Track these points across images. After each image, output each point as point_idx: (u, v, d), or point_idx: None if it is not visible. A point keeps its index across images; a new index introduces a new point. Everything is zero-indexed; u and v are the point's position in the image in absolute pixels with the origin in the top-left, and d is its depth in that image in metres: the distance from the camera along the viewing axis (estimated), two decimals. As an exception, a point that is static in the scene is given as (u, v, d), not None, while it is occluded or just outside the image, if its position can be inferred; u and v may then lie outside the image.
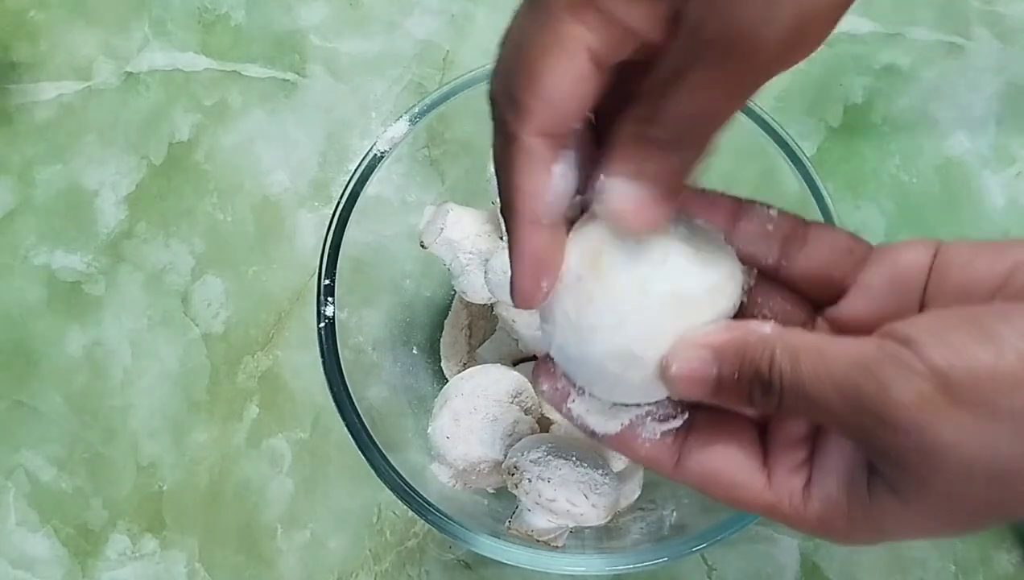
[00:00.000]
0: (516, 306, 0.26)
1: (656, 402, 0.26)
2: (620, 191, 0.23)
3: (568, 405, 0.27)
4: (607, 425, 0.27)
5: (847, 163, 0.57)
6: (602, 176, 0.24)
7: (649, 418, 0.26)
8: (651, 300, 0.24)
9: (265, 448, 0.54)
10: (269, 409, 0.54)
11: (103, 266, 0.58)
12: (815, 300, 0.26)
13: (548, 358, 0.27)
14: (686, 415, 0.26)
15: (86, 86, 0.63)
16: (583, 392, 0.27)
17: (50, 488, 0.54)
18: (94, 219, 0.59)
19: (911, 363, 0.20)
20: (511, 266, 0.25)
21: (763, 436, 0.26)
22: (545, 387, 0.27)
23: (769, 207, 0.27)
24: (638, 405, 0.26)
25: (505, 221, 0.25)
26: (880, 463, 0.22)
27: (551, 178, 0.24)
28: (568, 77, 0.23)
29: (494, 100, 0.24)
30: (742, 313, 0.26)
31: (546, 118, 0.23)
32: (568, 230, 0.26)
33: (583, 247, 0.25)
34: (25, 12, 0.65)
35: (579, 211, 0.26)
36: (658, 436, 0.26)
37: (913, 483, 0.21)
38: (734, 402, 0.24)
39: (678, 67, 0.22)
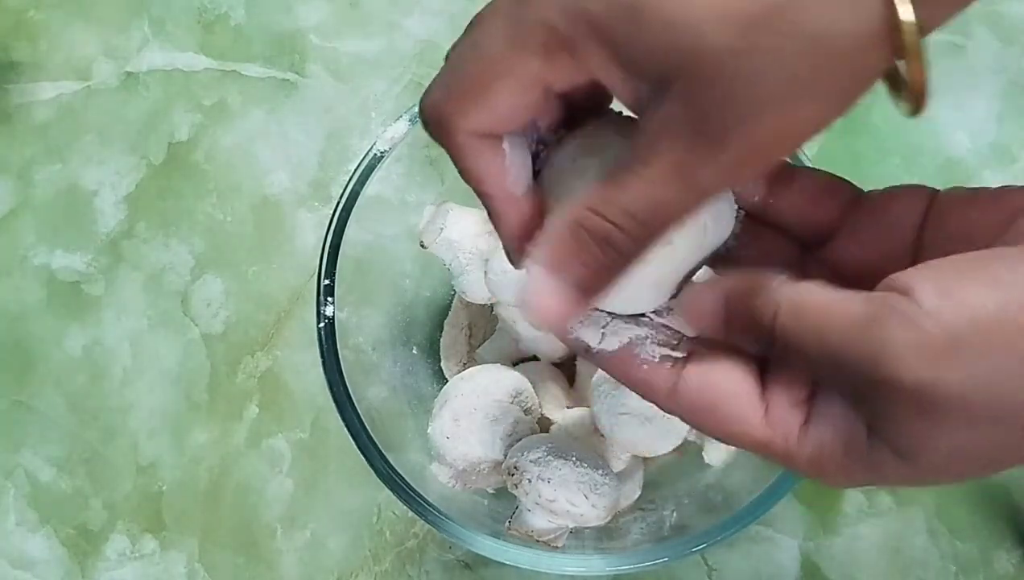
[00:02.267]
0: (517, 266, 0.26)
1: (657, 327, 0.26)
2: (539, 283, 0.23)
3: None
4: (605, 341, 0.26)
5: (846, 163, 0.57)
6: (528, 260, 0.24)
7: (649, 340, 0.25)
8: None
9: (265, 448, 0.54)
10: (269, 409, 0.54)
11: (103, 266, 0.58)
12: (803, 241, 0.27)
13: None
14: (688, 345, 0.25)
15: (86, 86, 0.63)
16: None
17: (50, 488, 0.54)
18: (94, 219, 0.59)
19: (914, 317, 0.20)
20: (503, 241, 0.26)
21: (763, 373, 0.25)
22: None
23: None
24: (637, 322, 0.26)
25: (485, 207, 0.25)
26: (880, 425, 0.22)
27: (505, 158, 0.24)
28: (518, 103, 0.23)
29: (430, 104, 0.24)
30: (731, 255, 0.26)
31: (483, 123, 0.24)
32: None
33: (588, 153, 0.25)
34: (25, 12, 0.65)
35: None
36: (657, 358, 0.25)
37: (915, 443, 0.21)
38: (737, 341, 0.24)
39: (638, 154, 0.21)
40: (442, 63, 0.25)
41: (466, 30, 0.24)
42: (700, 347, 0.25)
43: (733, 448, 0.44)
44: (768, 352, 0.23)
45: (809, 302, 0.22)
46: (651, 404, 0.26)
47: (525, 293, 0.23)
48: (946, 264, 0.21)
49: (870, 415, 0.22)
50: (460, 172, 0.25)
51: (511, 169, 0.24)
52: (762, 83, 0.20)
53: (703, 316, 0.24)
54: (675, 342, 0.25)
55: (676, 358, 0.25)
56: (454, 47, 0.24)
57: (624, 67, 0.21)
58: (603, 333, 0.26)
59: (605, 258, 0.23)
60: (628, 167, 0.22)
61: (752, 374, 0.24)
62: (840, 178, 0.26)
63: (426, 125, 0.25)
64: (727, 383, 0.24)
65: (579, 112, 0.25)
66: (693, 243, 0.25)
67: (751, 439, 0.24)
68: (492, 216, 0.25)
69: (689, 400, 0.25)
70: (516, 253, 0.26)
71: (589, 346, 0.26)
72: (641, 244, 0.22)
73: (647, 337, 0.25)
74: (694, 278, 0.26)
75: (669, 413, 0.25)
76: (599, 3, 0.21)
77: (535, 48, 0.22)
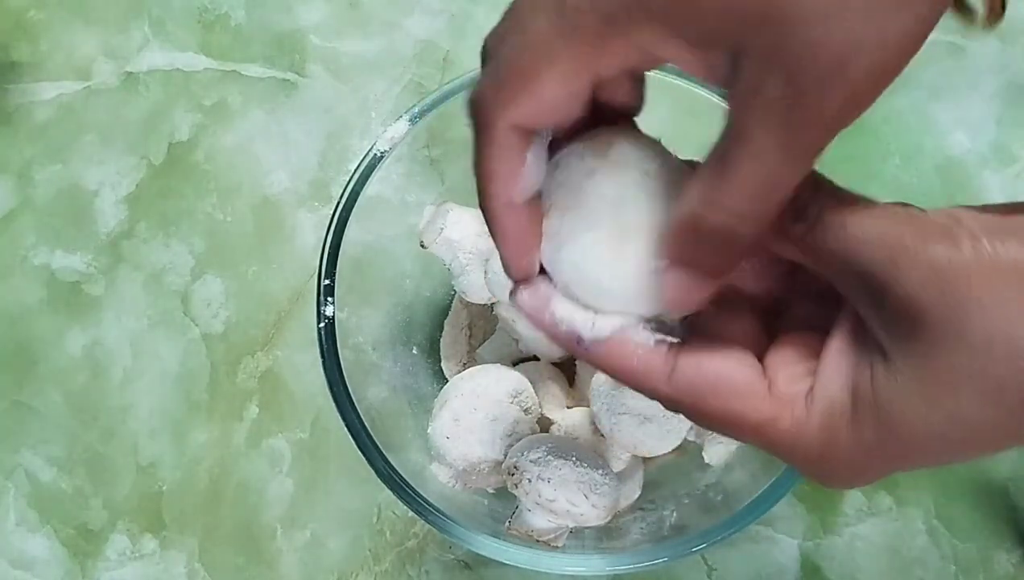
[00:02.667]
0: (514, 281, 0.25)
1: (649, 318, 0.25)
2: (676, 281, 0.23)
3: (551, 308, 0.25)
4: (596, 328, 0.24)
5: (846, 163, 0.57)
6: (660, 261, 0.23)
7: (641, 326, 0.24)
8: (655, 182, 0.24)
9: (265, 448, 0.54)
10: (269, 409, 0.54)
11: (103, 266, 0.58)
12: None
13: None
14: (682, 332, 0.25)
15: (86, 86, 0.63)
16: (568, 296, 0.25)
17: (50, 488, 0.54)
18: (94, 219, 0.59)
19: (958, 229, 0.20)
20: (498, 248, 0.25)
21: (761, 359, 0.24)
22: (525, 295, 0.25)
23: None
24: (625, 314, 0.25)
25: (482, 205, 0.25)
26: (894, 327, 0.21)
27: (524, 164, 0.24)
28: (565, 93, 0.22)
29: (479, 93, 0.24)
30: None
31: (527, 115, 0.23)
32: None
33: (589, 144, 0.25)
34: (25, 12, 0.65)
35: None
36: (652, 343, 0.24)
37: (926, 354, 0.20)
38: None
39: (738, 133, 0.20)
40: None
41: (505, 16, 0.23)
42: (696, 331, 0.25)
43: (733, 447, 0.44)
44: (794, 235, 0.22)
45: (851, 194, 0.22)
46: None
47: (670, 294, 0.23)
48: (983, 209, 0.21)
49: (888, 308, 0.21)
50: (476, 162, 0.24)
51: (524, 177, 0.24)
52: (843, 15, 0.18)
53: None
54: (667, 330, 0.25)
55: (671, 342, 0.24)
56: (494, 35, 0.23)
57: (689, 41, 0.20)
58: (594, 322, 0.25)
59: (735, 249, 0.22)
60: (729, 153, 0.21)
61: (751, 356, 0.24)
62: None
63: (471, 117, 0.24)
64: (727, 360, 0.24)
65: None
66: None
67: (756, 416, 0.23)
68: (491, 220, 0.25)
69: (689, 381, 0.24)
70: (517, 264, 0.25)
71: (581, 337, 0.25)
72: (764, 224, 0.22)
73: (639, 322, 0.25)
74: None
75: (668, 403, 0.24)
76: None
77: (586, 34, 0.21)
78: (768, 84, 0.20)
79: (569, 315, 0.25)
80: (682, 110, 0.42)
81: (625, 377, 0.25)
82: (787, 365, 0.24)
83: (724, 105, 0.21)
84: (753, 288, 0.26)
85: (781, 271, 0.26)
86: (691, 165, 0.25)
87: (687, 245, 0.22)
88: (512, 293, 0.26)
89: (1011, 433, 0.21)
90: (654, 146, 0.25)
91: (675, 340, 0.24)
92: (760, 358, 0.24)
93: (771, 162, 0.20)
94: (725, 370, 0.23)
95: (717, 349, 0.24)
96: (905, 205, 0.22)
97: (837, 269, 0.22)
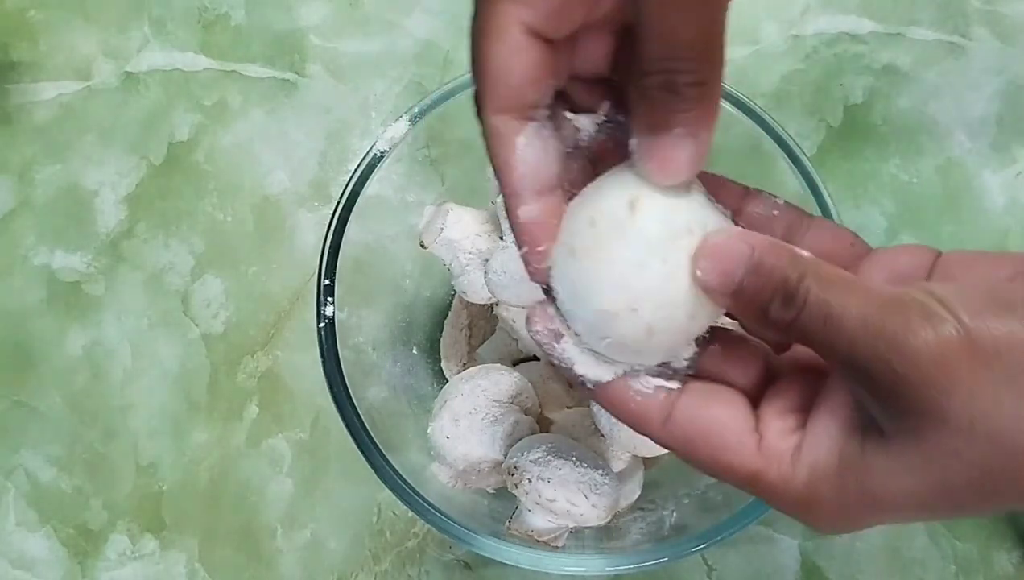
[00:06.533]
0: (530, 277, 0.26)
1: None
2: (659, 144, 0.23)
3: (561, 345, 0.26)
4: (599, 371, 0.26)
5: (847, 163, 0.57)
6: (633, 138, 0.24)
7: (643, 371, 0.26)
8: (674, 246, 0.24)
9: (265, 448, 0.54)
10: (269, 409, 0.54)
11: (103, 266, 0.58)
12: None
13: (545, 302, 0.27)
14: (683, 377, 0.26)
15: (86, 86, 0.63)
16: (578, 339, 0.26)
17: (50, 488, 0.54)
18: (94, 219, 0.59)
19: (938, 311, 0.21)
20: (514, 238, 0.26)
21: (756, 408, 0.25)
22: (539, 327, 0.26)
23: (775, 197, 0.27)
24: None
25: (502, 191, 0.26)
26: (880, 406, 0.22)
27: (515, 151, 0.24)
28: (504, 53, 0.23)
29: (476, 93, 0.25)
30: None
31: (499, 96, 0.24)
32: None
33: (612, 193, 0.25)
34: (25, 12, 0.65)
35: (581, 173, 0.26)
36: (651, 390, 0.25)
37: (911, 431, 0.21)
38: (749, 308, 0.23)
39: (660, 3, 0.22)
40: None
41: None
42: (695, 381, 0.26)
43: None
44: (779, 324, 0.23)
45: (837, 274, 0.22)
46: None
47: (655, 153, 0.23)
48: (967, 285, 0.22)
49: (874, 390, 0.22)
50: (490, 157, 0.25)
51: (520, 164, 0.25)
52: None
53: (722, 272, 0.23)
54: (670, 374, 0.26)
55: (670, 389, 0.25)
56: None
57: None
58: (596, 366, 0.26)
59: (702, 99, 0.23)
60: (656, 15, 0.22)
61: (745, 406, 0.25)
62: (853, 233, 0.27)
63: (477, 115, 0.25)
64: (721, 412, 0.25)
65: None
66: (711, 312, 0.25)
67: (744, 469, 0.24)
68: (508, 215, 0.26)
69: (682, 430, 0.25)
70: (526, 257, 0.26)
71: (584, 377, 0.26)
72: (717, 64, 0.23)
73: (641, 369, 0.26)
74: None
75: (662, 445, 0.26)
76: None
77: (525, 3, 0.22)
78: None
79: (575, 358, 0.26)
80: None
81: (623, 418, 0.26)
82: (779, 417, 0.24)
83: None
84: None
85: None
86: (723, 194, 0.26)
87: (659, 104, 0.23)
88: (527, 321, 0.27)
89: (997, 505, 0.22)
90: (685, 195, 0.25)
91: (674, 386, 0.25)
92: (757, 402, 0.25)
93: (698, 10, 0.22)
94: (716, 424, 0.24)
95: (712, 401, 0.25)
96: (896, 288, 0.22)
97: (826, 352, 0.23)
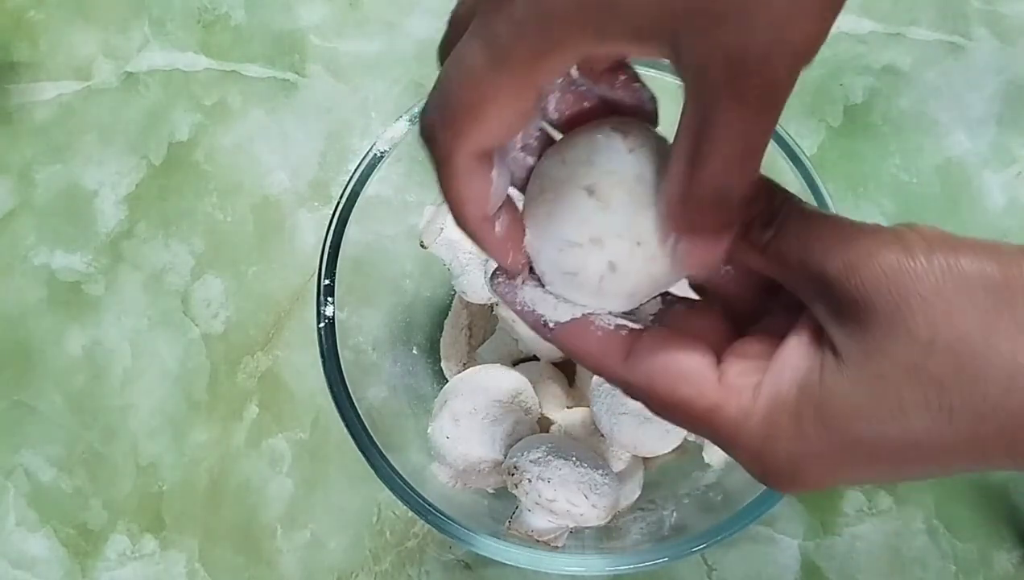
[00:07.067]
0: (508, 277, 0.26)
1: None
2: (691, 246, 0.24)
3: (523, 290, 0.26)
4: (561, 311, 0.26)
5: (847, 163, 0.57)
6: (672, 236, 0.24)
7: (607, 313, 0.26)
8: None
9: (265, 448, 0.54)
10: (269, 409, 0.54)
11: (103, 266, 0.58)
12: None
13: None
14: (644, 323, 0.26)
15: (86, 86, 0.63)
16: (539, 284, 0.26)
17: (50, 488, 0.54)
18: (94, 219, 0.59)
19: (909, 234, 0.21)
20: (488, 255, 0.26)
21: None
22: (500, 280, 0.26)
23: None
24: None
25: (460, 226, 0.25)
26: (842, 324, 0.22)
27: (491, 184, 0.24)
28: (512, 114, 0.23)
29: (429, 124, 0.24)
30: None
31: (481, 142, 0.23)
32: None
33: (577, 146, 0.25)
34: (25, 12, 0.65)
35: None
36: (612, 327, 0.25)
37: (871, 351, 0.21)
38: (727, 225, 0.23)
39: (701, 117, 0.21)
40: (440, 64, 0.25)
41: (448, 27, 0.24)
42: (657, 326, 0.26)
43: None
44: (759, 229, 0.23)
45: (816, 209, 0.24)
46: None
47: (688, 258, 0.24)
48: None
49: (838, 299, 0.22)
50: (444, 191, 0.25)
51: (493, 193, 0.24)
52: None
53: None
54: (633, 319, 0.26)
55: (631, 327, 0.25)
56: (442, 47, 0.24)
57: (624, 39, 0.21)
58: (556, 305, 0.26)
59: (734, 205, 0.22)
60: (701, 132, 0.21)
61: (708, 349, 0.25)
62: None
63: (426, 146, 0.24)
64: (683, 347, 0.24)
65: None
66: (673, 259, 0.25)
67: (703, 402, 0.24)
68: (473, 237, 0.25)
69: (644, 364, 0.25)
70: (507, 265, 0.26)
71: (543, 318, 0.26)
72: (752, 176, 0.22)
73: (603, 313, 0.26)
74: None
75: (623, 386, 0.25)
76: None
77: (518, 63, 0.22)
78: (712, 65, 0.20)
79: (535, 300, 0.26)
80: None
81: (584, 358, 0.26)
82: (741, 359, 0.24)
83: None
84: (730, 293, 0.27)
85: (759, 282, 0.26)
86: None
87: (688, 217, 0.23)
88: (490, 278, 0.27)
89: (956, 448, 0.21)
90: (636, 130, 0.25)
91: (635, 325, 0.25)
92: (721, 355, 0.25)
93: (740, 130, 0.21)
94: (678, 357, 0.24)
95: (675, 340, 0.25)
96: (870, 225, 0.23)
97: (797, 273, 0.23)
